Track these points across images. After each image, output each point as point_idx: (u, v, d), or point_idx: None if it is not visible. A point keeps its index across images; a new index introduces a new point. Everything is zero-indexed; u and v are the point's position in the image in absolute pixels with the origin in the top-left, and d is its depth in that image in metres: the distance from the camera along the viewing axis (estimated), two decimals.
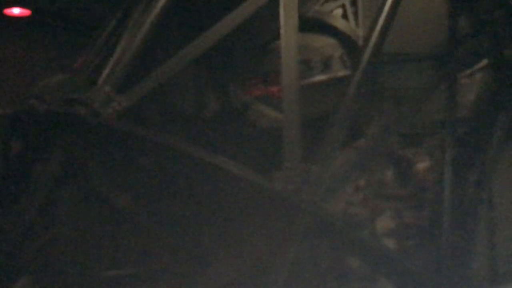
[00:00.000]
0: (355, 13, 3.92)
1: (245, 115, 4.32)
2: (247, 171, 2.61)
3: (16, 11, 7.62)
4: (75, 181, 2.67)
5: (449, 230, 3.46)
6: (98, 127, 2.50)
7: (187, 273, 2.99)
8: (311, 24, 3.71)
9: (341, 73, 3.80)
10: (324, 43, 3.81)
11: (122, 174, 3.01)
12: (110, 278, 3.04)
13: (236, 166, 2.56)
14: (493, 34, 3.18)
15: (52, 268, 2.87)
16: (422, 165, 3.93)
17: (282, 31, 2.98)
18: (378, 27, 3.05)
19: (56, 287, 2.84)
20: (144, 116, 3.34)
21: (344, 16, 3.89)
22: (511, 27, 3.12)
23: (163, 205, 3.11)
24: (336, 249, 3.24)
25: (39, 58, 7.05)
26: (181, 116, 4.17)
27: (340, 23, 3.85)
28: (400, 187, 4.07)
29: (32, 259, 2.79)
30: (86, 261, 3.02)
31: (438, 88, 3.84)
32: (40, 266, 2.86)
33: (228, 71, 4.40)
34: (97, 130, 2.52)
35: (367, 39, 3.10)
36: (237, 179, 2.60)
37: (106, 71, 2.80)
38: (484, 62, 3.69)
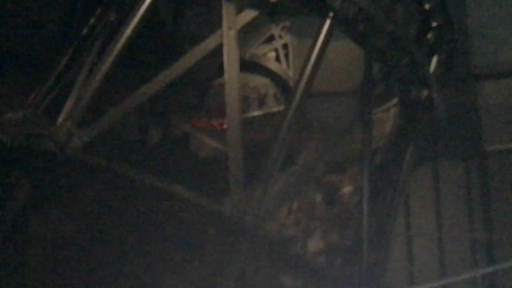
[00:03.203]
0: (286, 56, 4.38)
1: (186, 144, 4.60)
2: (199, 197, 2.89)
3: None
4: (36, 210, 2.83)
5: (369, 247, 3.81)
6: (62, 160, 2.71)
7: None
8: (247, 66, 4.11)
9: (275, 108, 4.23)
10: (260, 82, 4.23)
11: (73, 202, 3.17)
12: None
13: (191, 193, 2.83)
14: (401, 78, 3.66)
15: None
16: (346, 189, 4.35)
17: (225, 71, 3.27)
18: (308, 69, 3.35)
19: None
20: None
21: (277, 58, 4.35)
22: (415, 72, 3.65)
23: (113, 233, 3.24)
24: (273, 265, 3.52)
25: None
26: (124, 144, 4.35)
27: (273, 65, 4.30)
28: (327, 210, 4.45)
29: None
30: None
31: (359, 121, 4.29)
32: None
33: (170, 102, 4.66)
34: (60, 162, 2.73)
35: (298, 79, 3.40)
36: (189, 204, 2.88)
37: (67, 108, 3.02)
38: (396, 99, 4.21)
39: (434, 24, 3.95)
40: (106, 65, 3.07)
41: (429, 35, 3.93)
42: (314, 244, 4.30)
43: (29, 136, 2.76)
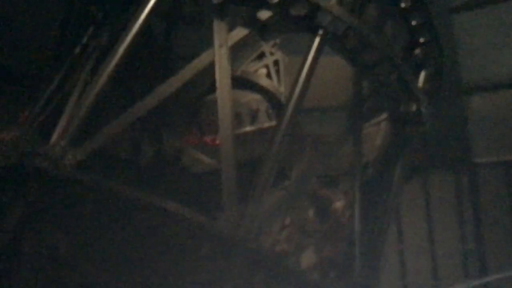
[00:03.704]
0: (277, 72, 4.45)
1: (179, 160, 4.61)
2: (192, 213, 2.91)
3: None
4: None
5: (361, 261, 3.84)
6: (56, 178, 2.73)
7: None
8: (239, 82, 4.16)
9: (267, 124, 4.27)
10: (251, 99, 4.28)
11: (67, 220, 3.17)
12: None
13: (184, 209, 2.85)
14: (390, 93, 3.72)
15: None
16: (339, 204, 4.38)
17: (217, 88, 3.31)
18: (298, 85, 3.39)
19: None
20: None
21: (268, 75, 4.41)
22: (404, 87, 3.71)
23: (107, 250, 3.24)
24: (267, 280, 3.54)
25: None
26: (117, 161, 4.36)
27: (264, 81, 4.36)
28: (320, 224, 4.47)
29: None
30: None
31: (350, 136, 4.35)
32: None
33: (162, 119, 4.69)
34: (54, 181, 2.74)
35: (289, 95, 3.44)
36: (182, 220, 2.90)
37: (60, 126, 3.04)
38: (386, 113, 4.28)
39: (421, 40, 4.03)
40: (99, 84, 3.10)
41: (417, 51, 4.02)
42: (307, 258, 4.32)
43: (23, 155, 2.78)
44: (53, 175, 2.73)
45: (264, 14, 3.45)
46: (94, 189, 2.87)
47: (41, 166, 2.73)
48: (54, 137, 3.00)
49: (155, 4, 3.34)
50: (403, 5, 3.91)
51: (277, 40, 4.64)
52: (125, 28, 3.26)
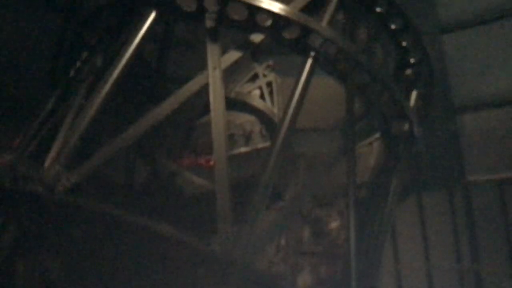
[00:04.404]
0: (271, 93, 4.48)
1: (173, 182, 4.60)
2: (187, 236, 2.89)
3: None
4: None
5: (357, 281, 3.81)
6: (50, 202, 2.72)
7: None
8: (233, 103, 4.19)
9: (261, 145, 4.28)
10: (245, 120, 4.30)
11: (61, 244, 3.15)
12: None
13: (178, 232, 2.84)
14: (382, 113, 3.75)
15: None
16: (334, 224, 4.37)
17: (211, 110, 3.32)
18: (292, 106, 3.42)
19: None
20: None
21: (262, 96, 4.44)
22: (395, 107, 3.75)
23: (101, 274, 3.22)
24: None
25: None
26: (111, 184, 4.35)
27: (258, 103, 4.38)
28: (316, 245, 4.45)
29: None
30: None
31: (343, 156, 4.36)
32: None
33: (156, 141, 4.69)
34: (48, 205, 2.74)
35: (283, 116, 3.45)
36: (177, 243, 2.88)
37: (54, 150, 3.04)
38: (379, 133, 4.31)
39: (412, 60, 4.09)
40: (92, 108, 3.11)
41: (408, 71, 4.07)
42: (303, 279, 4.30)
43: (17, 179, 2.77)
44: (47, 199, 2.72)
45: (256, 37, 3.49)
46: (87, 212, 2.86)
47: (35, 190, 2.72)
48: (48, 161, 3.00)
49: (149, 28, 3.39)
50: (393, 26, 3.98)
51: (270, 62, 4.69)
52: (119, 52, 3.28)
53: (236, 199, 3.23)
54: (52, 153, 3.05)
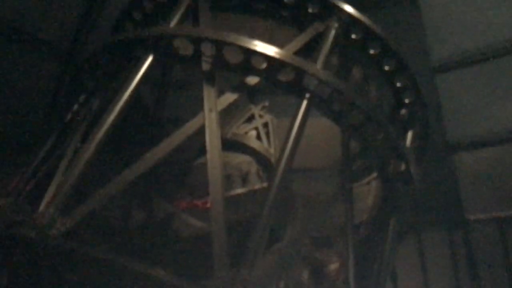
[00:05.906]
0: (267, 134, 4.50)
1: (170, 225, 4.56)
2: (183, 281, 2.83)
3: None
4: None
5: None
6: (44, 247, 2.68)
7: None
8: (229, 145, 4.20)
9: (258, 185, 4.27)
10: (242, 161, 4.30)
11: None
12: None
13: (174, 277, 2.78)
14: (378, 153, 3.75)
15: None
16: (333, 265, 4.31)
17: (207, 152, 3.31)
18: (288, 146, 3.40)
19: None
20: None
21: (258, 136, 4.46)
22: (391, 147, 3.75)
23: None
24: None
25: None
26: (107, 226, 4.30)
27: (254, 143, 4.40)
28: (315, 286, 4.37)
29: None
30: None
31: (341, 196, 4.34)
32: None
33: (152, 183, 4.67)
34: (42, 249, 2.69)
35: (279, 157, 3.42)
36: None
37: (49, 194, 3.02)
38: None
39: (406, 100, 4.13)
40: (88, 151, 3.11)
41: (403, 111, 4.10)
42: None
43: (10, 224, 2.74)
44: (40, 244, 2.68)
45: (252, 80, 3.53)
46: (82, 257, 2.81)
47: (27, 235, 2.68)
48: (43, 205, 2.98)
49: (146, 71, 3.43)
50: (387, 68, 4.03)
51: (266, 103, 4.74)
52: (116, 96, 3.31)
53: (233, 241, 3.20)
54: (47, 197, 3.02)
